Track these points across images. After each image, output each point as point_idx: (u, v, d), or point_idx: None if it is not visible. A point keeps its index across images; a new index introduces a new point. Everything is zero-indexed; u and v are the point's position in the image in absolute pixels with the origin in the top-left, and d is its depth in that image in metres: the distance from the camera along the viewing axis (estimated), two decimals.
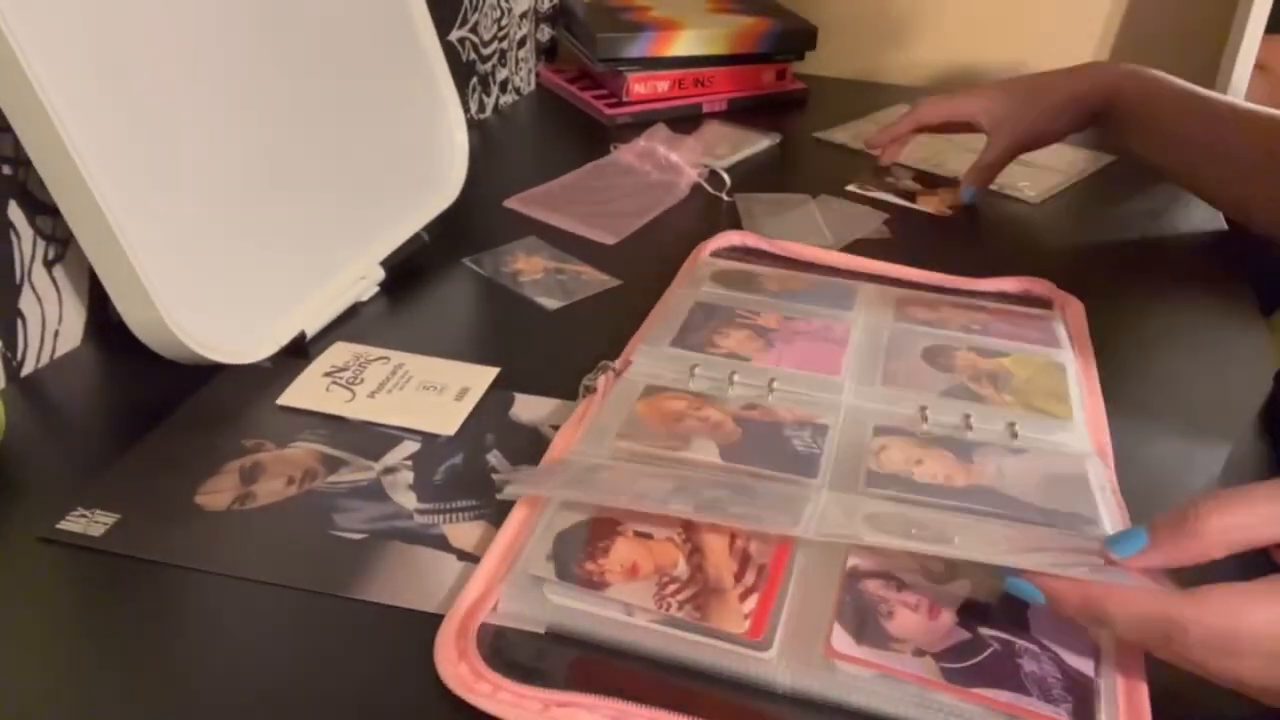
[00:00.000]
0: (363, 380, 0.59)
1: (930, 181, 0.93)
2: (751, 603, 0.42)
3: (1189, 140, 0.78)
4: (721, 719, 0.38)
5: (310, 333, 0.64)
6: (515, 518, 0.47)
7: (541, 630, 0.42)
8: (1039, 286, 0.73)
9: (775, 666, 0.40)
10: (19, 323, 0.59)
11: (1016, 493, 0.48)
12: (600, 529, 0.46)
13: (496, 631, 0.42)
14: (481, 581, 0.44)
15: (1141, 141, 0.82)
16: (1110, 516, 0.47)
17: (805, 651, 0.40)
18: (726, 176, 0.88)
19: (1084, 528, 0.45)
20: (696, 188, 0.89)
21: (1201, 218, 0.88)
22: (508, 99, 1.10)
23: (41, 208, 0.58)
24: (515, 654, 0.41)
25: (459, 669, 0.40)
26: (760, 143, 1.00)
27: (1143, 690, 0.39)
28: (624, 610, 0.42)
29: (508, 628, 0.42)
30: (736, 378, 0.56)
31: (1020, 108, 0.84)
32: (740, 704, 0.40)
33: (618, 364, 0.58)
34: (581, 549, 0.45)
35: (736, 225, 0.81)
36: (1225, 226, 0.86)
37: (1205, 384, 0.64)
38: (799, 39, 1.13)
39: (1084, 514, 0.46)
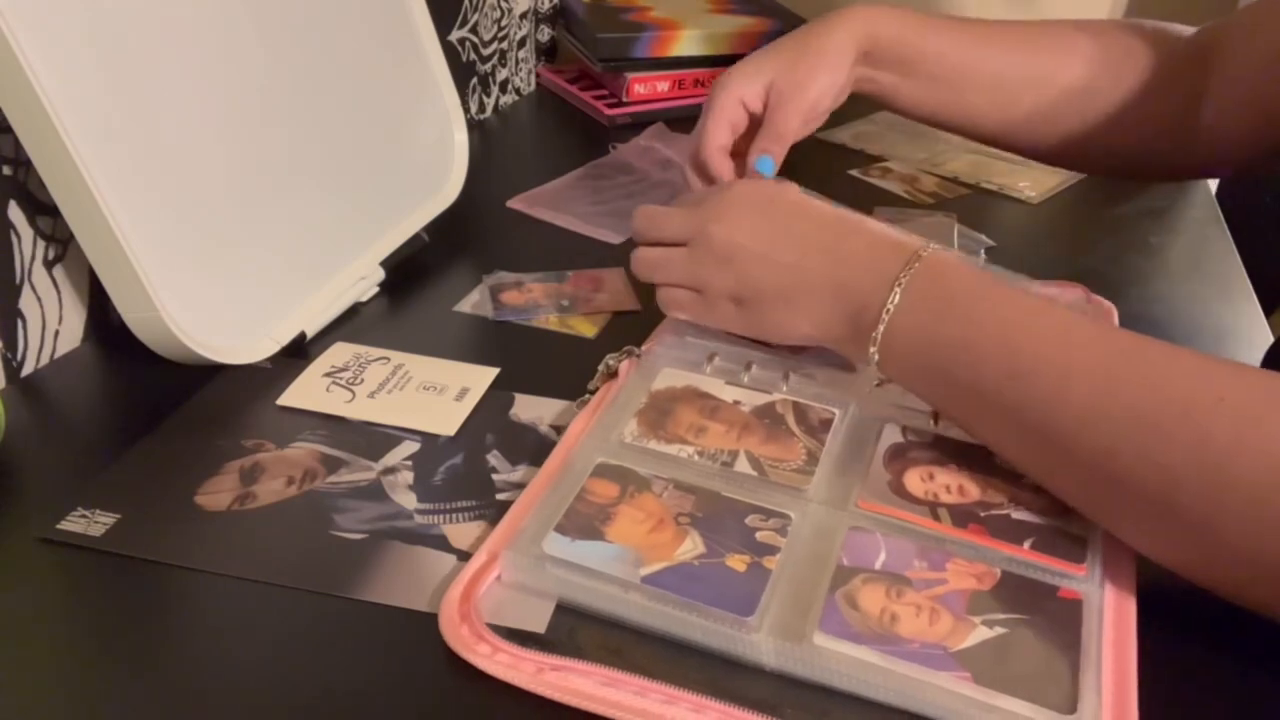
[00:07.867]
0: (363, 380, 0.59)
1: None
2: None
3: (953, 71, 0.73)
4: (707, 692, 0.39)
5: (310, 333, 0.64)
6: (520, 503, 0.49)
7: (540, 598, 0.44)
8: (1071, 291, 0.70)
9: (761, 646, 0.41)
10: (19, 323, 0.59)
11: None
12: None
13: (498, 602, 0.44)
14: (485, 552, 0.45)
15: (909, 84, 0.75)
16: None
17: (792, 634, 0.41)
18: None
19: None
20: None
21: (1201, 218, 0.88)
22: (508, 99, 1.10)
23: (41, 208, 0.58)
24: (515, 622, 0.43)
25: (460, 631, 0.41)
26: None
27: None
28: (620, 588, 0.43)
29: (509, 604, 0.44)
30: (754, 367, 0.57)
31: (793, 70, 0.73)
32: (727, 678, 0.41)
33: (641, 348, 0.59)
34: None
35: None
36: (1225, 226, 0.86)
37: None
38: None
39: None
